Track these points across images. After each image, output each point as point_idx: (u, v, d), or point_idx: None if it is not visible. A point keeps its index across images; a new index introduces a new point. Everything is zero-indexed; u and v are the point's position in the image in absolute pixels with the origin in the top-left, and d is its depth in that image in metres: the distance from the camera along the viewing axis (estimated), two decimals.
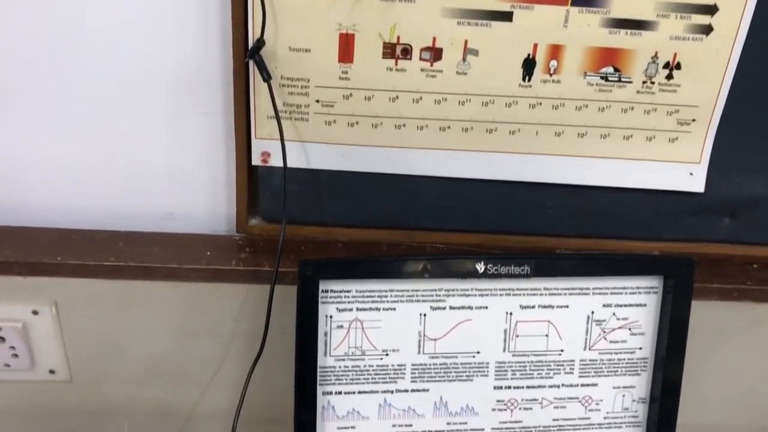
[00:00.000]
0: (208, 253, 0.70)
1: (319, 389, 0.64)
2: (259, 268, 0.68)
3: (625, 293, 0.66)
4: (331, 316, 0.63)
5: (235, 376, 0.74)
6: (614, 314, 0.66)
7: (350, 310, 0.63)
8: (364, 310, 0.63)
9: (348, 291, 0.62)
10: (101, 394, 0.76)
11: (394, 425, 0.66)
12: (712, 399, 0.79)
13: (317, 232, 0.71)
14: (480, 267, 0.62)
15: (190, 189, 0.72)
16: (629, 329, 0.67)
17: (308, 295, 0.61)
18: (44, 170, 0.70)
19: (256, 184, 0.70)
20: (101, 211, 0.72)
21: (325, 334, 0.63)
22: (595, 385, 0.67)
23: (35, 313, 0.70)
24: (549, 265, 0.63)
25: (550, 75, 0.63)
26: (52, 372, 0.73)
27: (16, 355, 0.71)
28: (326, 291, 0.62)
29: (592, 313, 0.66)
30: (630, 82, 0.64)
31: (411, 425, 0.66)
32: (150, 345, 0.73)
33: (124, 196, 0.72)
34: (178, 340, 0.73)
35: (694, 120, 0.66)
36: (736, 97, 0.65)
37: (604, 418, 0.68)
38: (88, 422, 0.78)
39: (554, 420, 0.68)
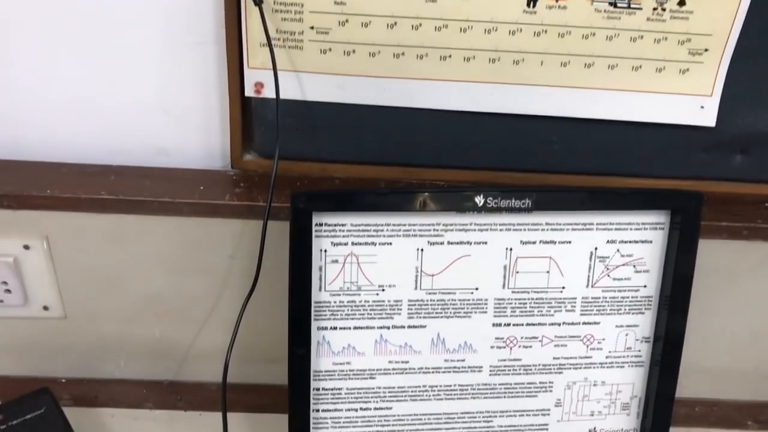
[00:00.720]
0: (202, 188, 0.68)
1: (314, 324, 0.62)
2: (254, 203, 0.66)
3: (630, 229, 0.63)
4: (325, 251, 0.61)
5: (232, 314, 0.72)
6: (618, 251, 0.64)
7: (345, 244, 0.61)
8: (360, 244, 0.61)
9: (343, 225, 0.60)
10: (96, 331, 0.75)
11: (390, 361, 0.65)
12: (717, 341, 0.77)
13: (313, 168, 0.69)
14: (479, 200, 0.60)
15: (183, 124, 0.70)
16: (634, 266, 0.65)
17: (301, 228, 0.59)
18: (34, 104, 0.68)
19: (250, 118, 0.67)
20: (91, 147, 0.70)
21: (320, 269, 0.61)
22: (597, 323, 0.66)
23: (26, 248, 0.68)
24: (551, 198, 0.61)
25: (556, 0, 0.60)
26: (45, 308, 0.72)
27: (8, 291, 0.70)
28: (320, 224, 0.60)
29: (596, 249, 0.64)
30: (640, 9, 0.61)
31: (407, 362, 0.65)
32: (144, 281, 0.72)
33: (115, 131, 0.70)
34: (173, 276, 0.72)
35: (706, 50, 0.63)
36: (752, 25, 0.62)
37: (606, 357, 0.67)
38: (83, 359, 0.77)
39: (554, 358, 0.66)
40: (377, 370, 0.65)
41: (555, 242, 0.63)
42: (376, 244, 0.61)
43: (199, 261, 0.71)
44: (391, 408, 0.66)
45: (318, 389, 0.64)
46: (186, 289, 0.73)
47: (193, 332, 0.76)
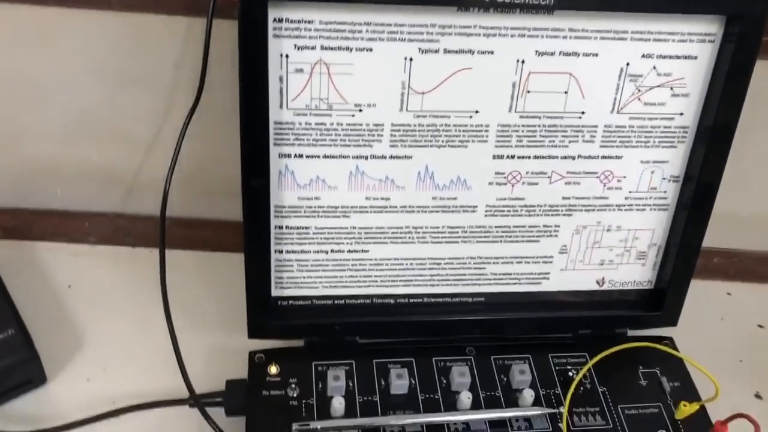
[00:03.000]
0: None
1: (275, 150, 0.51)
2: None
3: (673, 41, 0.50)
4: (287, 56, 0.48)
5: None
6: (655, 68, 0.51)
7: (313, 48, 0.48)
8: (332, 49, 0.48)
9: (309, 22, 0.47)
10: (25, 153, 0.64)
11: (367, 198, 0.54)
12: (749, 185, 0.66)
13: None
14: None
15: None
16: (671, 89, 0.52)
17: (254, 23, 0.46)
18: None
19: None
20: None
21: (281, 80, 0.48)
22: (620, 157, 0.54)
23: None
24: None
25: None
26: None
27: None
28: (279, 20, 0.47)
29: (627, 65, 0.51)
30: None
31: (388, 199, 0.54)
32: (72, 93, 0.60)
33: None
34: (106, 88, 0.60)
35: None
36: None
37: (626, 198, 0.56)
38: (13, 186, 0.66)
39: (564, 198, 0.56)
40: (352, 207, 0.54)
41: (578, 54, 0.50)
42: (352, 50, 0.48)
43: (136, 70, 0.59)
44: (367, 251, 0.56)
45: (281, 227, 0.54)
46: (123, 104, 0.61)
47: (137, 158, 0.65)
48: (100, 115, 0.62)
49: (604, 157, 0.54)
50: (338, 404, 0.53)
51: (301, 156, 0.51)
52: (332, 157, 0.52)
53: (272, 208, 0.53)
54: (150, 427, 0.55)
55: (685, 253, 0.58)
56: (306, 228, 0.54)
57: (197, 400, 0.44)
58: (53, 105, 0.61)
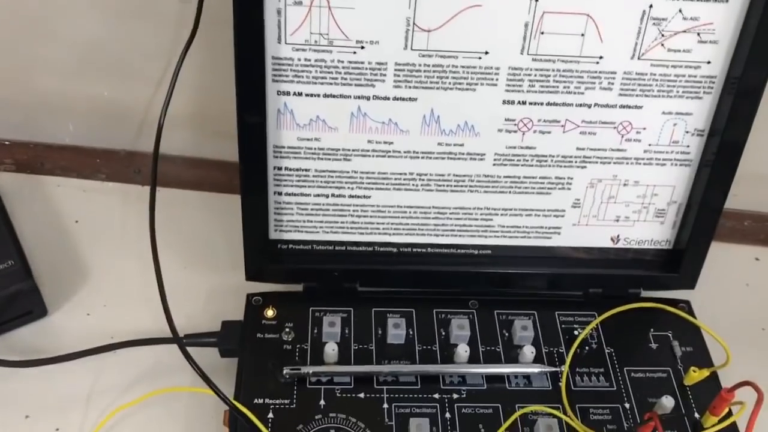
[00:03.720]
0: None
1: (272, 87, 0.49)
2: None
3: None
4: None
5: (192, 76, 0.60)
6: (680, 11, 0.47)
7: None
8: None
9: None
10: (35, 86, 0.64)
11: (369, 141, 0.52)
12: None
13: None
14: None
15: None
16: (698, 35, 0.48)
17: None
18: None
19: None
20: None
21: (278, 12, 0.46)
22: (639, 107, 0.51)
23: None
24: None
25: None
26: None
27: None
28: None
29: (650, 7, 0.47)
30: None
31: (391, 143, 0.52)
32: (83, 27, 0.59)
33: None
34: (116, 22, 0.59)
35: None
36: None
37: (644, 151, 0.53)
38: (27, 118, 0.66)
39: (578, 149, 0.53)
40: (353, 150, 0.52)
41: None
42: None
43: (143, 4, 0.57)
44: (369, 197, 0.54)
45: (280, 168, 0.52)
46: (130, 38, 0.60)
47: (147, 94, 0.64)
48: (110, 49, 0.61)
49: (622, 107, 0.51)
50: (331, 350, 0.52)
51: (300, 94, 0.49)
52: (333, 96, 0.50)
53: (271, 148, 0.51)
54: (145, 364, 0.55)
55: (706, 212, 0.55)
56: (306, 170, 0.53)
57: (179, 340, 0.43)
58: (60, 38, 0.60)
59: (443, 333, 0.55)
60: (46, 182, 0.67)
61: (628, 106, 0.51)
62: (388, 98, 0.50)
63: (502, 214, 0.55)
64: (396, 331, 0.54)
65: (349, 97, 0.50)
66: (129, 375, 0.54)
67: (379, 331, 0.54)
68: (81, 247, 0.62)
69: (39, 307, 0.56)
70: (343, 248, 0.56)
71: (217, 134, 0.66)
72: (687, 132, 0.52)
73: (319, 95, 0.50)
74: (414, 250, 0.57)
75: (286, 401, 0.50)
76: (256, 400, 0.50)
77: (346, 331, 0.54)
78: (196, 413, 0.52)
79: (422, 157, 0.52)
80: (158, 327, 0.56)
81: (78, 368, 0.54)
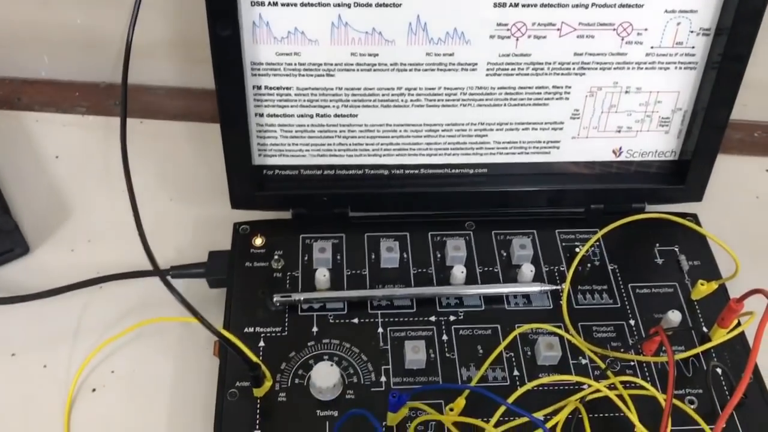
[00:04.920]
0: None
1: None
2: None
3: None
4: None
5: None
6: None
7: None
8: None
9: None
10: (3, 16, 0.60)
11: (353, 54, 0.48)
12: None
13: None
14: None
15: None
16: None
17: None
18: None
19: None
20: None
21: None
22: (640, 6, 0.48)
23: None
24: None
25: None
26: None
27: None
28: None
29: None
30: None
31: (377, 55, 0.49)
32: None
33: None
34: None
35: None
36: None
37: (646, 55, 0.50)
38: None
39: (576, 54, 0.49)
40: (336, 65, 0.49)
41: None
42: None
43: None
44: (356, 116, 0.51)
45: (259, 87, 0.50)
46: None
47: (124, 20, 0.60)
48: None
49: (621, 6, 0.48)
50: (322, 276, 0.50)
51: (275, 4, 0.46)
52: (311, 5, 0.46)
53: (248, 65, 0.48)
54: (133, 298, 0.53)
55: (713, 119, 0.52)
56: (287, 89, 0.50)
57: (160, 272, 0.41)
58: None
59: (439, 255, 0.53)
60: (23, 118, 0.65)
61: (628, 5, 0.48)
62: (370, 4, 0.47)
63: (497, 129, 0.53)
64: (389, 255, 0.52)
65: (328, 4, 0.46)
66: (116, 309, 0.52)
67: (373, 256, 0.52)
68: (62, 182, 0.60)
69: (20, 245, 0.54)
70: (332, 172, 0.54)
71: (201, 62, 0.62)
72: (692, 32, 0.49)
73: (296, 4, 0.46)
74: (406, 171, 0.54)
75: (277, 329, 0.49)
76: (246, 329, 0.48)
77: (338, 257, 0.52)
78: (186, 345, 0.51)
79: (410, 70, 0.49)
80: (145, 260, 0.54)
81: (64, 304, 0.52)
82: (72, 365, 0.49)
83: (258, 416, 0.45)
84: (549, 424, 0.43)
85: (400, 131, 0.52)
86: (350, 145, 0.53)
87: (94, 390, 0.49)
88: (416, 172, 0.54)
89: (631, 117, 0.53)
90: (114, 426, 0.47)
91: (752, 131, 0.64)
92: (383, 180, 0.54)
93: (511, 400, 0.44)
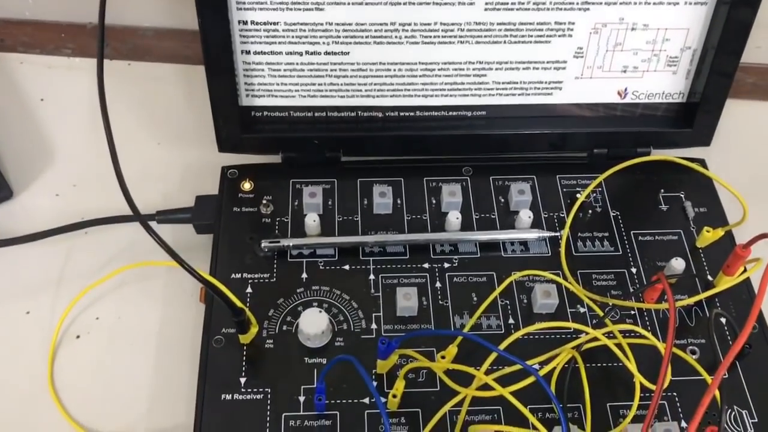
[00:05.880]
0: None
1: None
2: None
3: None
4: None
5: None
6: None
7: None
8: None
9: None
10: None
11: None
12: None
13: None
14: None
15: None
16: None
17: None
18: None
19: None
20: None
21: None
22: None
23: None
24: None
25: None
26: None
27: None
28: None
29: None
30: None
31: None
32: None
33: None
34: None
35: None
36: None
37: None
38: None
39: None
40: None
41: None
42: None
43: None
44: (348, 53, 0.49)
45: (245, 22, 0.47)
46: None
47: None
48: None
49: None
50: (312, 222, 0.48)
51: None
52: None
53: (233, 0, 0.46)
54: (119, 243, 0.51)
55: (724, 59, 0.49)
56: (274, 24, 0.47)
57: (140, 217, 0.40)
58: None
59: (434, 202, 0.51)
60: (7, 60, 0.62)
61: None
62: None
63: (497, 69, 0.50)
64: (382, 200, 0.50)
65: None
66: (101, 255, 0.51)
67: (365, 202, 0.50)
68: (47, 126, 0.58)
69: (4, 189, 0.53)
70: (323, 114, 0.52)
71: (191, 2, 0.60)
72: None
73: None
74: (401, 113, 0.52)
75: (265, 275, 0.47)
76: (233, 276, 0.47)
77: (329, 203, 0.50)
78: (173, 292, 0.49)
79: (404, 4, 0.47)
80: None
81: (47, 249, 0.51)
82: (56, 312, 0.48)
83: (244, 363, 0.43)
84: (542, 372, 0.41)
85: (395, 70, 0.50)
86: (342, 85, 0.50)
87: (78, 337, 0.47)
88: (411, 114, 0.52)
89: (638, 56, 0.50)
90: (98, 373, 0.46)
91: (766, 75, 0.61)
92: (377, 123, 0.52)
93: (502, 347, 0.42)
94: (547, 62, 0.50)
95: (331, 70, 0.50)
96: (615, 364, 0.43)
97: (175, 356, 0.46)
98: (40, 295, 0.49)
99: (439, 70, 0.50)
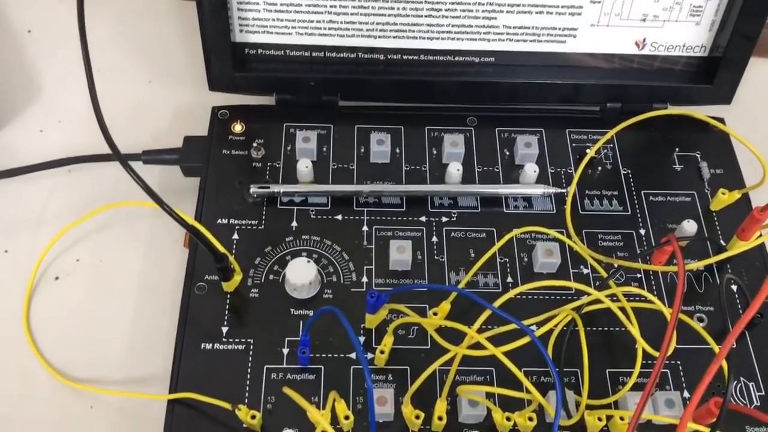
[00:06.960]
0: None
1: None
2: None
3: None
4: None
5: None
6: None
7: None
8: None
9: None
10: None
11: None
12: None
13: None
14: None
15: None
16: None
17: None
18: None
19: None
20: None
21: None
22: None
23: None
24: None
25: None
26: None
27: None
28: None
29: None
30: None
31: None
32: None
33: None
34: None
35: None
36: None
37: None
38: None
39: None
40: None
41: None
42: None
43: None
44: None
45: None
46: None
47: None
48: None
49: None
50: (305, 168, 0.46)
51: None
52: None
53: None
54: (103, 183, 0.49)
55: (752, 11, 0.46)
56: None
57: (120, 156, 0.37)
58: None
59: (435, 152, 0.48)
60: None
61: None
62: None
63: (508, 12, 0.47)
64: (380, 148, 0.47)
65: None
66: (85, 194, 0.48)
67: (362, 150, 0.48)
68: (34, 59, 0.55)
69: None
70: (321, 54, 0.49)
71: None
72: None
73: None
74: (404, 57, 0.49)
75: (253, 222, 0.45)
76: (219, 221, 0.45)
77: (324, 149, 0.48)
78: (157, 236, 0.47)
79: None
80: (120, 143, 0.50)
81: (29, 186, 0.48)
82: (34, 251, 0.46)
83: (227, 312, 0.41)
84: (539, 333, 0.39)
85: (398, 9, 0.47)
86: (342, 23, 0.47)
87: (57, 278, 0.45)
88: (415, 58, 0.49)
89: (659, 4, 0.47)
90: (76, 316, 0.44)
91: None
92: (378, 66, 0.49)
93: (497, 304, 0.40)
94: (562, 6, 0.47)
95: (330, 7, 0.46)
96: (617, 329, 0.41)
97: (157, 302, 0.44)
98: (20, 233, 0.47)
99: (446, 10, 0.47)
